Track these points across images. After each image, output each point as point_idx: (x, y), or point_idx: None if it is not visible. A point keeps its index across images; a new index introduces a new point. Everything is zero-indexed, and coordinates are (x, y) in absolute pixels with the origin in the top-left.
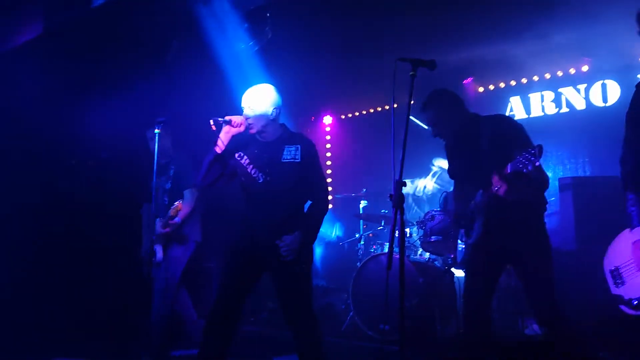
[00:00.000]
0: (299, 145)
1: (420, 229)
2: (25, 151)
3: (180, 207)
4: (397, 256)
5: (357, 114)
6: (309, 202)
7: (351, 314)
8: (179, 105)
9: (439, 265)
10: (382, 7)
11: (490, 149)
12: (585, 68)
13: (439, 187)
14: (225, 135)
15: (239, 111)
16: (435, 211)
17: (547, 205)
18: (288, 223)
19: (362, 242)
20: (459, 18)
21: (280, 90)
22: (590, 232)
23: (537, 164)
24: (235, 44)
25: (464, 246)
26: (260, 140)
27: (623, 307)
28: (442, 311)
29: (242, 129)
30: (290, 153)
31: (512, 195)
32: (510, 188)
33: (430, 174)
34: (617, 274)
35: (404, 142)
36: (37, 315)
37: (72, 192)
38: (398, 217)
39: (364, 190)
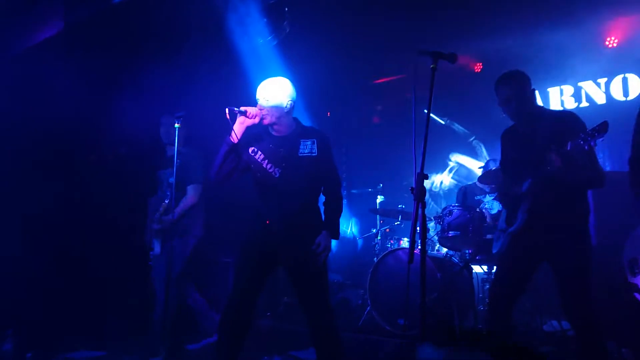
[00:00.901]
0: (314, 139)
1: (437, 224)
2: (47, 146)
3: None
4: (416, 251)
5: (373, 108)
6: (322, 197)
7: (368, 308)
8: (198, 100)
9: (456, 260)
10: (399, 1)
11: (547, 145)
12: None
13: (455, 182)
14: (239, 126)
15: (255, 104)
16: (453, 206)
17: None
18: (303, 217)
19: (378, 238)
20: (477, 11)
21: (297, 85)
22: (609, 227)
23: (600, 139)
24: (254, 38)
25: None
26: (274, 134)
27: (637, 295)
28: (460, 306)
29: (256, 120)
30: (307, 147)
31: (564, 173)
32: (565, 165)
33: (447, 169)
34: (635, 264)
35: (426, 134)
36: (55, 307)
37: (91, 187)
38: (420, 210)
39: (381, 185)
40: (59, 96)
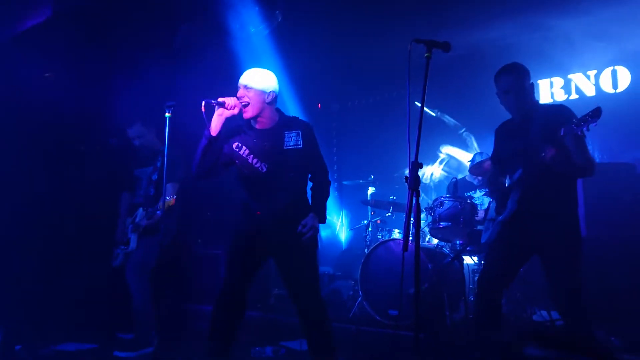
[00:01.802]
0: (299, 131)
1: (429, 215)
2: (35, 136)
3: (173, 202)
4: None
5: (364, 100)
6: (310, 186)
7: (359, 299)
8: (189, 90)
9: (447, 251)
10: None
11: (540, 136)
12: (595, 54)
13: (446, 174)
14: (218, 118)
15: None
16: (444, 197)
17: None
18: (292, 209)
19: (369, 229)
20: (469, 2)
21: (289, 75)
22: (600, 218)
23: (594, 124)
24: (246, 27)
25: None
26: (257, 127)
27: None
28: (451, 297)
29: (235, 111)
30: (292, 139)
31: (556, 163)
32: (558, 155)
33: (438, 161)
34: None
35: (420, 122)
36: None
37: (78, 177)
38: (414, 199)
39: (372, 177)
40: (47, 85)
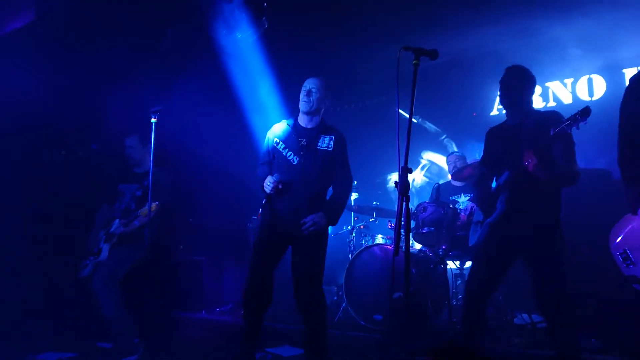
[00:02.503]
0: (333, 136)
1: (412, 221)
2: (16, 139)
3: (155, 207)
4: (391, 247)
5: (347, 106)
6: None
7: (344, 305)
8: (176, 95)
9: (431, 256)
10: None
11: (530, 138)
12: (572, 63)
13: (427, 179)
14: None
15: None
16: (427, 202)
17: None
18: (312, 204)
19: (353, 234)
20: (445, 11)
21: (274, 80)
22: (578, 221)
23: (583, 123)
24: (233, 33)
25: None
26: (300, 124)
27: (637, 286)
28: (434, 301)
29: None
30: (325, 142)
31: (539, 171)
32: (540, 164)
33: (419, 167)
34: (626, 256)
35: (409, 127)
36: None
37: (58, 182)
38: (404, 204)
39: (355, 182)
40: (30, 89)
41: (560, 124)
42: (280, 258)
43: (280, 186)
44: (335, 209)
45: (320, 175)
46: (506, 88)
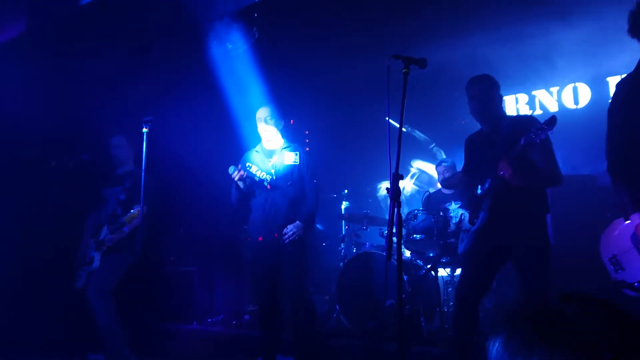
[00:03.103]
0: (297, 151)
1: (403, 228)
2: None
3: (137, 214)
4: (383, 255)
5: (337, 115)
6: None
7: (336, 313)
8: (165, 106)
9: (421, 263)
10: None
11: (505, 144)
12: (556, 72)
13: (417, 188)
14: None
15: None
16: (417, 210)
17: (548, 214)
18: (289, 216)
19: (344, 243)
20: (433, 20)
21: (265, 91)
22: (565, 227)
23: (550, 132)
24: (223, 43)
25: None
26: (265, 147)
27: (626, 291)
28: (426, 308)
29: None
30: (291, 157)
31: (516, 179)
32: (516, 172)
33: (409, 175)
34: (615, 261)
35: (399, 135)
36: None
37: (47, 194)
38: (395, 210)
39: (346, 191)
40: (21, 99)
41: (529, 133)
42: (279, 271)
43: (244, 174)
44: (307, 217)
45: (291, 189)
46: (471, 98)
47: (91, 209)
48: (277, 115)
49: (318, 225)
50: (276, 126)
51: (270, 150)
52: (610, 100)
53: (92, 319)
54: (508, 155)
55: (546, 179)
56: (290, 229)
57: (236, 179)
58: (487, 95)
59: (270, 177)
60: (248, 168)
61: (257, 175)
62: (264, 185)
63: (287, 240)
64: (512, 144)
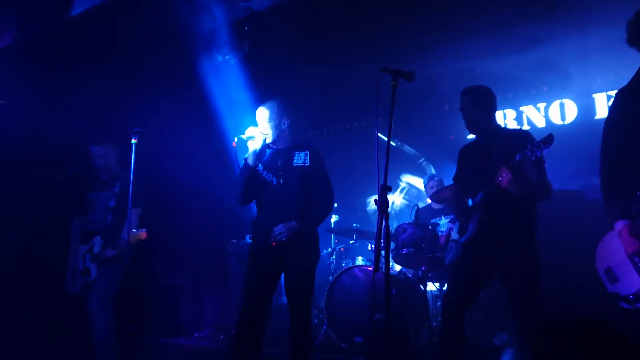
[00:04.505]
0: (307, 151)
1: (391, 242)
2: None
3: (145, 236)
4: (371, 268)
5: (326, 129)
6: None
7: (324, 328)
8: (155, 117)
9: (410, 277)
10: (358, 22)
11: (500, 157)
12: (544, 88)
13: (406, 202)
14: (252, 150)
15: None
16: (406, 224)
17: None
18: (296, 215)
19: (333, 257)
20: (422, 36)
21: (254, 104)
22: (552, 242)
23: (547, 150)
24: (213, 56)
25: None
26: (273, 147)
27: (622, 304)
28: (414, 322)
29: (260, 141)
30: (300, 158)
31: (513, 187)
32: (514, 179)
33: (398, 189)
34: (610, 273)
35: (387, 147)
36: None
37: (34, 206)
38: (384, 222)
39: (335, 204)
40: (9, 110)
41: (525, 150)
42: (275, 288)
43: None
44: (312, 218)
45: (300, 192)
46: (461, 110)
47: (75, 213)
48: (277, 115)
49: None
50: (278, 126)
51: (278, 150)
52: (609, 110)
53: (89, 329)
54: (508, 162)
55: (540, 189)
56: (278, 228)
57: (256, 145)
58: (476, 104)
59: (278, 177)
60: (254, 166)
61: (264, 176)
62: (272, 186)
63: (272, 240)
64: (507, 157)
